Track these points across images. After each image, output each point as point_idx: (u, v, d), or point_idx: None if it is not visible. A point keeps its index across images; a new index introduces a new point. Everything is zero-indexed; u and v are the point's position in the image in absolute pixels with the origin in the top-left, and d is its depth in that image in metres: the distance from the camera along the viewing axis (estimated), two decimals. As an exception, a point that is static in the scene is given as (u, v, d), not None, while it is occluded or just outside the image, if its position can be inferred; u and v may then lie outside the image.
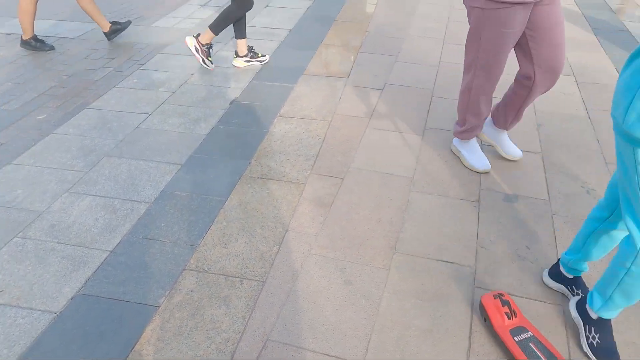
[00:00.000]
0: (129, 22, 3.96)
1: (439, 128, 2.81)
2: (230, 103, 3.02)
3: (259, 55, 3.58)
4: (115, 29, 3.89)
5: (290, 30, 4.10)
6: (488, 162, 2.44)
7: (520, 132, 2.79)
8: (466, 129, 2.43)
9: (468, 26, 4.24)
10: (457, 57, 3.69)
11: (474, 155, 2.47)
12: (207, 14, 4.53)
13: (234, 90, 3.17)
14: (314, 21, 4.34)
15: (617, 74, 3.54)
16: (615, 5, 5.02)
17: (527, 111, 3.01)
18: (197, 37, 3.41)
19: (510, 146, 2.53)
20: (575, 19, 4.60)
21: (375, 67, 3.52)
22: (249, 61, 3.56)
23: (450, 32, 4.16)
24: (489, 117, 2.56)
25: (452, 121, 2.88)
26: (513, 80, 2.34)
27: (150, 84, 3.28)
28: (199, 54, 3.42)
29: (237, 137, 2.69)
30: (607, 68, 3.62)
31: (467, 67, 2.26)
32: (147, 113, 2.92)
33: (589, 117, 2.97)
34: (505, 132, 2.52)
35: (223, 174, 2.40)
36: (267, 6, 4.65)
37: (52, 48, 3.78)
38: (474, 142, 2.50)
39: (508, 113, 2.40)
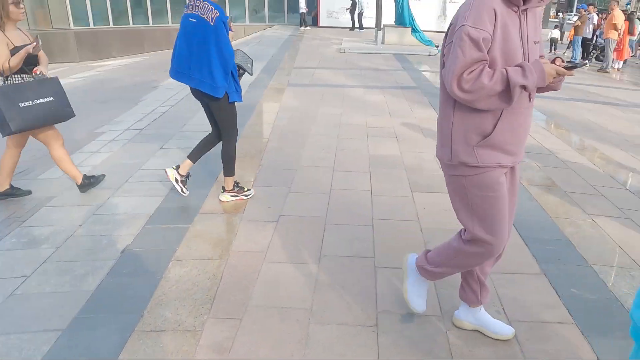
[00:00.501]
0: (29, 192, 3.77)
1: (334, 255, 2.90)
2: (122, 252, 2.91)
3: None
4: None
5: (185, 170, 4.18)
6: (425, 305, 2.28)
7: (409, 249, 2.94)
8: (435, 273, 2.21)
9: (355, 153, 4.63)
10: (345, 184, 3.94)
11: (418, 292, 2.26)
12: (97, 160, 4.52)
13: (126, 238, 3.07)
14: (209, 159, 4.46)
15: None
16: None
17: (414, 229, 3.22)
18: (224, 190, 3.61)
19: (497, 325, 2.26)
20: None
21: (270, 199, 3.64)
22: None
23: (339, 161, 4.47)
24: (462, 303, 2.31)
25: (346, 247, 2.98)
26: None
27: (31, 242, 3.07)
28: (238, 196, 3.64)
29: (128, 288, 2.56)
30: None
31: (471, 241, 2.01)
32: (25, 276, 2.68)
33: (468, 231, 3.23)
34: (483, 309, 2.29)
35: (112, 333, 2.23)
36: (161, 148, 4.75)
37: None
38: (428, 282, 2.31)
39: (473, 286, 2.23)
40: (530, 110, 1.95)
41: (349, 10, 21.52)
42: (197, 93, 3.43)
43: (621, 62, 13.56)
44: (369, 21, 20.81)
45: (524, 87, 1.75)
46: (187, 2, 3.35)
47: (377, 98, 7.24)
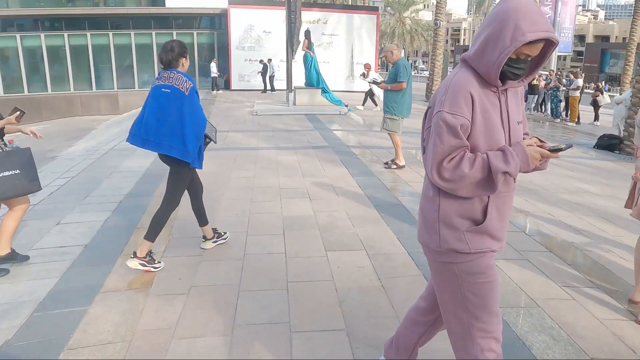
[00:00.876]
0: None
1: (249, 323, 2.77)
2: None
3: (222, 233, 3.96)
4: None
5: (85, 246, 3.88)
6: None
7: (324, 310, 2.88)
8: None
9: (269, 216, 4.55)
10: (259, 248, 3.85)
11: None
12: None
13: (5, 332, 2.69)
14: (112, 232, 4.21)
15: (399, 243, 4.02)
16: (389, 184, 5.93)
17: (329, 289, 3.16)
18: (134, 256, 3.40)
19: None
20: (358, 199, 5.27)
21: (181, 270, 3.45)
22: (216, 241, 3.88)
23: (252, 224, 4.38)
24: None
25: (261, 314, 2.86)
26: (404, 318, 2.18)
27: None
28: (147, 266, 3.40)
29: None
30: (390, 239, 4.11)
31: (462, 338, 1.83)
32: None
33: (382, 286, 3.24)
34: None
35: None
36: (58, 224, 4.41)
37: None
38: None
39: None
40: (513, 192, 1.88)
41: (260, 73, 22.06)
42: (166, 159, 3.55)
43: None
44: (280, 83, 21.42)
45: (507, 173, 1.66)
46: (158, 75, 3.53)
47: (290, 158, 7.31)
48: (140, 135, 3.52)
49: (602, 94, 16.62)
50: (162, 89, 3.41)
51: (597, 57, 66.03)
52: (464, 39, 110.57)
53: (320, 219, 4.58)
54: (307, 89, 15.56)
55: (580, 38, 76.74)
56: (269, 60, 21.41)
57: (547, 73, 17.66)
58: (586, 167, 8.29)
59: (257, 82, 22.60)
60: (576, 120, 15.70)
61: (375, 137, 9.91)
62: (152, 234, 3.47)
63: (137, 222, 4.42)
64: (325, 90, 15.22)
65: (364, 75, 11.60)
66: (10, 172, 3.35)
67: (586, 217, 5.17)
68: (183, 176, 3.58)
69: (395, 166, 6.77)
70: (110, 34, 24.20)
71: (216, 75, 21.76)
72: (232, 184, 5.77)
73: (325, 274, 3.40)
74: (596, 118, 16.40)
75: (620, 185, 6.95)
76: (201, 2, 23.76)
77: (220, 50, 24.41)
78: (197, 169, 3.68)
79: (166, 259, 3.63)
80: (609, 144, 10.52)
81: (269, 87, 21.54)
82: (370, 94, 15.37)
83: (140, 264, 3.39)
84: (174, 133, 3.37)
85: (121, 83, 24.85)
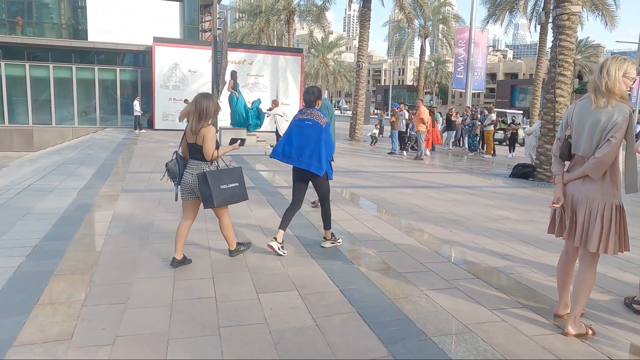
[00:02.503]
0: None
1: (179, 374, 2.66)
2: None
3: (338, 238, 5.16)
4: None
5: (-5, 298, 3.59)
6: None
7: (259, 354, 2.84)
8: None
9: (197, 260, 4.43)
10: (188, 293, 3.73)
11: None
12: None
13: None
14: (26, 280, 3.92)
15: (331, 281, 4.07)
16: (317, 223, 6.01)
17: (263, 332, 3.12)
18: (325, 239, 5.06)
19: None
20: (287, 239, 5.28)
21: (104, 319, 3.27)
22: (333, 242, 5.05)
23: (180, 269, 4.25)
24: None
25: (192, 363, 2.77)
26: None
27: None
28: (335, 242, 5.07)
29: None
30: (322, 277, 4.16)
31: None
32: None
33: (317, 325, 3.25)
34: None
35: None
36: (-36, 275, 4.04)
37: None
38: None
39: None
40: None
41: (184, 113, 21.76)
42: (302, 172, 4.83)
43: (427, 150, 15.73)
44: (205, 123, 21.21)
45: None
46: (300, 111, 4.92)
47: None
48: (284, 152, 4.80)
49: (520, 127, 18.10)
50: (305, 122, 4.75)
51: (508, 92, 71.60)
52: (384, 79, 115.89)
53: (250, 260, 4.54)
54: (232, 129, 15.56)
55: (492, 76, 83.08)
56: (194, 99, 21.24)
57: (464, 110, 18.94)
58: (504, 195, 8.88)
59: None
60: (492, 152, 16.84)
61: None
62: (328, 224, 5.03)
63: (55, 268, 4.15)
64: (258, 121, 15.23)
65: (269, 110, 11.86)
66: (234, 184, 4.35)
67: (507, 242, 5.54)
68: (325, 181, 4.92)
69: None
70: (27, 65, 22.97)
71: (139, 113, 21.25)
72: (157, 227, 5.60)
73: (258, 316, 3.36)
74: (510, 150, 17.76)
75: (536, 210, 7.52)
76: (125, 37, 23.32)
77: (144, 88, 23.92)
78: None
79: (87, 307, 3.42)
80: (523, 172, 11.39)
81: (194, 126, 21.26)
82: (277, 134, 15.48)
83: (331, 243, 5.01)
84: (313, 154, 4.67)
85: (37, 118, 23.50)
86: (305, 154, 4.69)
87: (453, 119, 19.26)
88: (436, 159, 15.23)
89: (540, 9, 26.93)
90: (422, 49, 39.85)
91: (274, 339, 3.05)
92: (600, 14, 27.02)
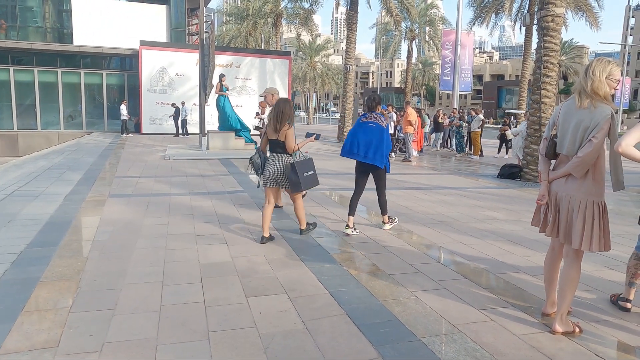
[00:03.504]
0: None
1: (168, 380, 2.64)
2: None
3: (395, 218, 6.21)
4: None
5: (-20, 306, 3.53)
6: None
7: (247, 357, 2.83)
8: None
9: (185, 264, 4.40)
10: (176, 298, 3.71)
11: None
12: None
13: None
14: (12, 286, 3.87)
15: (320, 284, 4.07)
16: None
17: (252, 336, 3.11)
18: (383, 223, 6.04)
19: None
20: (276, 242, 5.28)
21: (91, 326, 3.23)
22: (391, 223, 6.09)
23: (168, 274, 4.22)
24: None
25: (181, 368, 2.75)
26: None
27: None
28: (393, 223, 6.13)
29: None
30: (311, 280, 4.15)
31: None
32: None
33: (307, 328, 3.24)
34: None
35: None
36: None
37: None
38: None
39: None
40: None
41: (172, 117, 21.67)
42: (365, 166, 5.76)
43: (416, 152, 15.81)
44: (193, 127, 21.17)
45: None
46: (363, 114, 5.87)
47: (205, 204, 7.19)
48: (352, 151, 5.70)
49: (509, 128, 18.18)
50: (369, 124, 5.67)
51: (494, 94, 72.22)
52: (372, 82, 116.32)
53: (239, 264, 4.52)
54: (220, 133, 15.53)
55: (479, 78, 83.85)
56: (182, 103, 21.16)
57: (452, 112, 19.05)
58: (491, 195, 8.94)
59: (169, 126, 22.19)
60: (479, 153, 16.95)
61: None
62: (385, 209, 6.00)
63: (41, 275, 4.10)
64: (243, 128, 15.20)
65: (258, 114, 11.84)
66: (311, 172, 5.30)
67: (495, 242, 5.58)
68: (384, 173, 5.80)
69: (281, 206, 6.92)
70: (11, 69, 22.70)
71: (126, 118, 21.11)
72: (145, 232, 5.56)
73: (247, 320, 3.35)
74: (507, 151, 17.80)
75: (523, 210, 7.58)
76: (111, 41, 23.16)
77: (131, 92, 23.78)
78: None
79: (74, 314, 3.38)
80: (510, 172, 11.49)
81: (181, 131, 21.19)
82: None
83: (390, 226, 6.02)
84: (377, 151, 5.57)
85: (22, 123, 23.23)
86: (370, 151, 5.58)
87: (440, 120, 19.38)
88: (424, 161, 15.31)
89: (525, 11, 27.20)
90: (409, 51, 40.08)
91: (263, 343, 3.04)
92: (584, 15, 27.39)
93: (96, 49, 22.95)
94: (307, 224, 5.62)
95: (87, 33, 23.08)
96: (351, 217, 5.70)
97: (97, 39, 23.06)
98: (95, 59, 23.78)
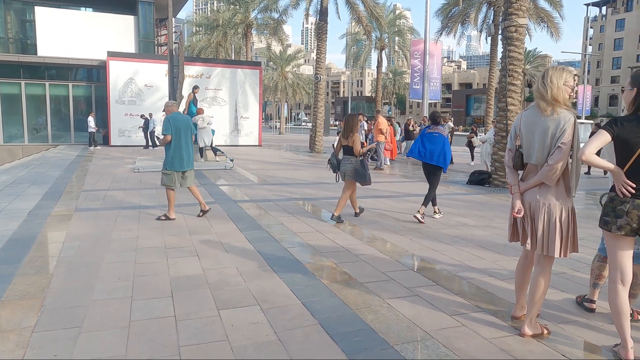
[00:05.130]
0: None
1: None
2: None
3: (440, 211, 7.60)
4: None
5: (-63, 329, 3.38)
6: None
7: (221, 375, 2.78)
8: None
9: (155, 278, 4.31)
10: (146, 313, 3.63)
11: None
12: None
13: None
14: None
15: (292, 294, 4.04)
16: (278, 236, 5.98)
17: (223, 350, 3.06)
18: (437, 212, 7.54)
19: None
20: (248, 254, 5.24)
21: (56, 345, 3.13)
22: (440, 213, 7.54)
23: (137, 288, 4.13)
24: None
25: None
26: None
27: None
28: (422, 218, 7.16)
29: None
30: (284, 291, 4.12)
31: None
32: None
33: (279, 339, 3.21)
34: None
35: None
36: None
37: None
38: None
39: None
40: None
41: (141, 129, 21.36)
42: (429, 167, 7.31)
43: (388, 160, 15.94)
44: (163, 138, 20.85)
45: None
46: (427, 126, 7.53)
47: (175, 216, 7.08)
48: (420, 153, 7.24)
49: (476, 135, 18.50)
50: (434, 134, 7.24)
51: (463, 102, 73.58)
52: (343, 91, 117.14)
53: (210, 277, 4.46)
54: (194, 144, 15.39)
55: (447, 86, 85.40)
56: (150, 115, 20.88)
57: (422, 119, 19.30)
58: (462, 202, 9.08)
59: (139, 138, 21.84)
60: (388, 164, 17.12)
61: (262, 190, 9.99)
62: (435, 201, 7.53)
63: (2, 294, 3.95)
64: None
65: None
66: (369, 172, 7.14)
67: (466, 247, 5.66)
68: (440, 175, 7.32)
69: (164, 218, 6.83)
70: (-29, 80, 22.01)
71: (94, 130, 20.68)
72: (114, 246, 5.43)
73: (219, 333, 3.30)
74: (472, 158, 18.08)
75: (492, 215, 7.72)
76: (78, 52, 22.69)
77: (99, 104, 23.31)
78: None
79: (38, 334, 3.27)
80: (479, 179, 11.69)
81: (150, 142, 20.88)
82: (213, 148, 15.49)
83: (440, 216, 7.46)
84: (440, 154, 7.08)
85: (-18, 136, 22.49)
86: (435, 155, 7.10)
87: (411, 128, 19.62)
88: (396, 169, 15.46)
89: (490, 22, 27.92)
90: (379, 61, 40.54)
91: (235, 355, 3.00)
92: (546, 26, 28.22)
93: (62, 60, 22.43)
94: (360, 208, 7.46)
95: (52, 44, 22.56)
96: (423, 207, 7.13)
97: (62, 50, 22.56)
98: (60, 70, 23.25)
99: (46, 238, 5.84)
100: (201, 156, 14.91)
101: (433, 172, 7.33)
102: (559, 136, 3.14)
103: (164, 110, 7.21)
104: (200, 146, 14.87)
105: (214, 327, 3.40)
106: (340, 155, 7.18)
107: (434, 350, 3.11)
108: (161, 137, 6.90)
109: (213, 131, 15.48)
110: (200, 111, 14.91)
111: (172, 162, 6.79)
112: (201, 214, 7.07)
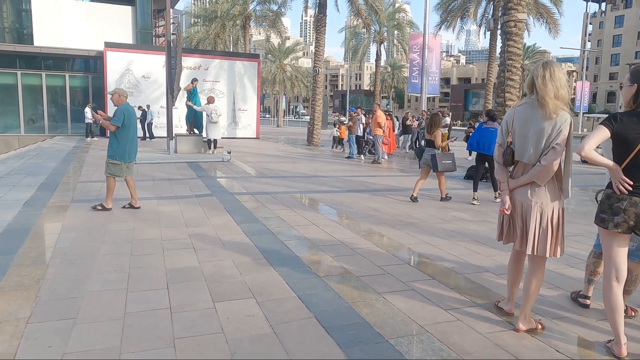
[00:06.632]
0: None
1: (131, 390, 2.57)
2: None
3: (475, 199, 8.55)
4: None
5: None
6: None
7: (216, 367, 2.78)
8: None
9: (150, 270, 4.31)
10: (141, 305, 3.62)
11: None
12: None
13: None
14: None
15: (288, 287, 4.04)
16: (274, 229, 5.98)
17: (218, 342, 3.07)
18: (475, 199, 8.48)
19: None
20: (244, 246, 5.23)
21: (51, 336, 3.12)
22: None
23: (133, 280, 4.13)
24: None
25: (145, 377, 2.68)
26: None
27: None
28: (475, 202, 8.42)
29: None
30: (279, 284, 4.12)
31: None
32: None
33: (274, 332, 3.22)
34: None
35: None
36: None
37: None
38: None
39: None
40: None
41: (138, 120, 21.26)
42: (486, 157, 8.57)
43: (385, 154, 15.94)
44: (161, 130, 20.83)
45: None
46: (484, 122, 8.76)
47: (172, 209, 7.07)
48: (478, 146, 8.49)
49: (449, 130, 18.49)
50: (490, 128, 8.38)
51: (461, 96, 73.54)
52: (341, 85, 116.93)
53: (206, 269, 4.46)
54: (188, 136, 15.35)
55: (446, 81, 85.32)
56: (147, 106, 20.80)
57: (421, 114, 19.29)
58: (458, 196, 9.07)
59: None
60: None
61: (259, 183, 9.98)
62: (476, 186, 8.67)
63: (-3, 286, 3.95)
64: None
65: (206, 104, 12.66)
66: (450, 161, 8.41)
67: (462, 242, 5.67)
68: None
69: (100, 207, 6.81)
70: (-34, 70, 21.85)
71: (91, 121, 20.56)
72: (109, 238, 5.42)
73: (214, 326, 3.30)
74: (470, 153, 18.06)
75: (489, 210, 7.74)
76: (75, 42, 22.54)
77: (96, 95, 23.19)
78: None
79: (32, 325, 3.27)
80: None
81: (147, 134, 20.81)
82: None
83: (475, 202, 8.38)
84: (493, 146, 6.85)
85: (-22, 127, 22.36)
86: (492, 147, 7.65)
87: (409, 123, 19.60)
88: (393, 163, 15.45)
89: (490, 16, 27.85)
90: (378, 55, 40.45)
91: (230, 348, 3.00)
92: (545, 21, 28.19)
93: (58, 50, 22.28)
94: (447, 194, 8.55)
95: (48, 34, 22.41)
96: (475, 193, 8.50)
97: (59, 40, 22.41)
98: (57, 61, 23.10)
99: (42, 229, 5.83)
100: (209, 148, 14.90)
101: (489, 161, 8.66)
102: (554, 137, 3.09)
103: (110, 93, 7.04)
104: (210, 138, 14.85)
105: (210, 320, 3.40)
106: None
107: (429, 344, 3.12)
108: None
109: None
110: (211, 99, 14.88)
111: (123, 153, 6.85)
112: (127, 205, 6.98)
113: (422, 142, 8.88)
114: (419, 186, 8.33)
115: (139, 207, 7.02)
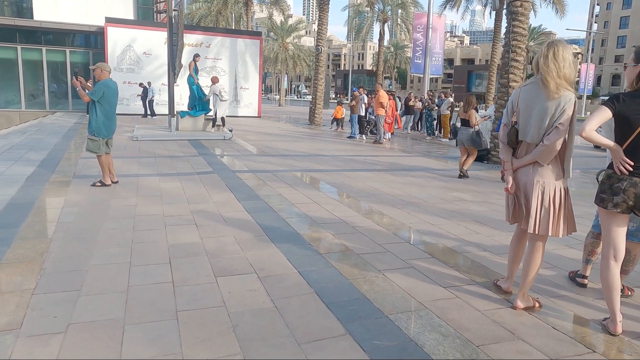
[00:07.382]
0: None
1: (137, 358, 2.62)
2: None
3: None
4: None
5: (-62, 289, 3.43)
6: None
7: (217, 337, 2.84)
8: None
9: (153, 245, 4.36)
10: (144, 279, 3.67)
11: None
12: None
13: None
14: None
15: (289, 263, 4.09)
16: (276, 207, 6.01)
17: (221, 315, 3.12)
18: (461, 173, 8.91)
19: None
20: (246, 223, 5.27)
21: (56, 307, 3.18)
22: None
23: (136, 255, 4.17)
24: None
25: (149, 347, 2.73)
26: None
27: None
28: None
29: None
30: (281, 260, 4.17)
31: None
32: None
33: (275, 307, 3.27)
34: None
35: None
36: None
37: None
38: None
39: None
40: None
41: (140, 97, 21.19)
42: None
43: (389, 134, 15.91)
44: (162, 107, 20.74)
45: None
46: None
47: (174, 185, 7.10)
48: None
49: (477, 112, 18.41)
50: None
51: (465, 78, 73.04)
52: (344, 64, 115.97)
53: (208, 245, 4.50)
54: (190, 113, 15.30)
55: (450, 61, 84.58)
56: (149, 83, 20.68)
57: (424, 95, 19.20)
58: (457, 177, 9.09)
59: (137, 106, 21.67)
60: (449, 136, 17.16)
61: (261, 161, 9.99)
62: None
63: (1, 257, 3.99)
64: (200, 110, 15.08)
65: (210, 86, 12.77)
66: (484, 139, 9.15)
67: (462, 222, 5.71)
68: None
69: (100, 184, 6.81)
70: (-35, 44, 21.68)
71: (91, 97, 20.44)
72: (112, 214, 5.46)
73: (216, 300, 3.35)
74: None
75: (489, 191, 7.77)
76: (75, 17, 22.31)
77: (96, 71, 22.98)
78: None
79: (37, 296, 3.32)
80: (478, 155, 11.67)
81: (149, 111, 20.73)
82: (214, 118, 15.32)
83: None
84: None
85: (-22, 102, 22.28)
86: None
87: (411, 103, 19.51)
88: (395, 143, 15.44)
89: (495, -4, 27.45)
90: (381, 34, 40.03)
91: (232, 321, 3.06)
92: (551, 2, 27.82)
93: (58, 25, 22.07)
94: (465, 171, 8.98)
95: (48, 8, 22.19)
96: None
97: (59, 15, 22.20)
98: (57, 35, 22.90)
99: (44, 203, 5.87)
100: (213, 125, 14.86)
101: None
102: (558, 116, 3.09)
103: (92, 68, 6.81)
104: (220, 116, 14.81)
105: (212, 294, 3.45)
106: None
107: (428, 320, 3.17)
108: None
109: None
110: (215, 79, 14.79)
111: (101, 129, 6.77)
112: (99, 183, 6.84)
113: (457, 123, 9.19)
114: (469, 163, 9.03)
115: (117, 182, 6.97)
